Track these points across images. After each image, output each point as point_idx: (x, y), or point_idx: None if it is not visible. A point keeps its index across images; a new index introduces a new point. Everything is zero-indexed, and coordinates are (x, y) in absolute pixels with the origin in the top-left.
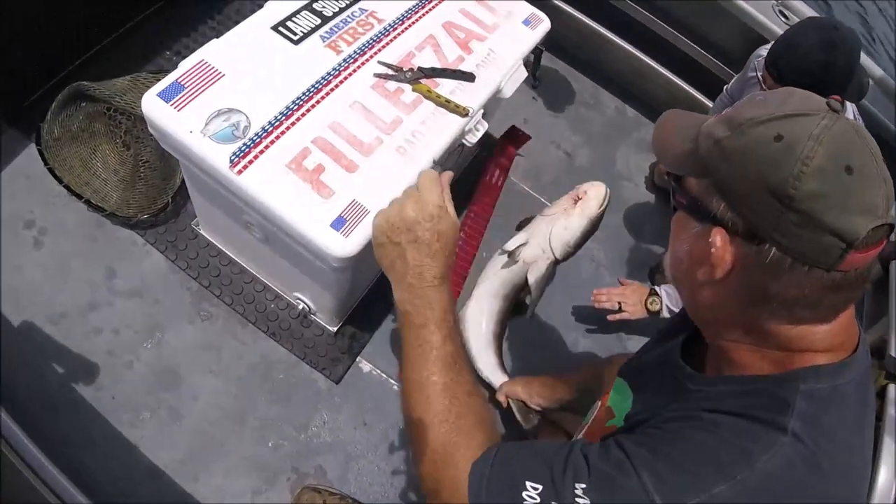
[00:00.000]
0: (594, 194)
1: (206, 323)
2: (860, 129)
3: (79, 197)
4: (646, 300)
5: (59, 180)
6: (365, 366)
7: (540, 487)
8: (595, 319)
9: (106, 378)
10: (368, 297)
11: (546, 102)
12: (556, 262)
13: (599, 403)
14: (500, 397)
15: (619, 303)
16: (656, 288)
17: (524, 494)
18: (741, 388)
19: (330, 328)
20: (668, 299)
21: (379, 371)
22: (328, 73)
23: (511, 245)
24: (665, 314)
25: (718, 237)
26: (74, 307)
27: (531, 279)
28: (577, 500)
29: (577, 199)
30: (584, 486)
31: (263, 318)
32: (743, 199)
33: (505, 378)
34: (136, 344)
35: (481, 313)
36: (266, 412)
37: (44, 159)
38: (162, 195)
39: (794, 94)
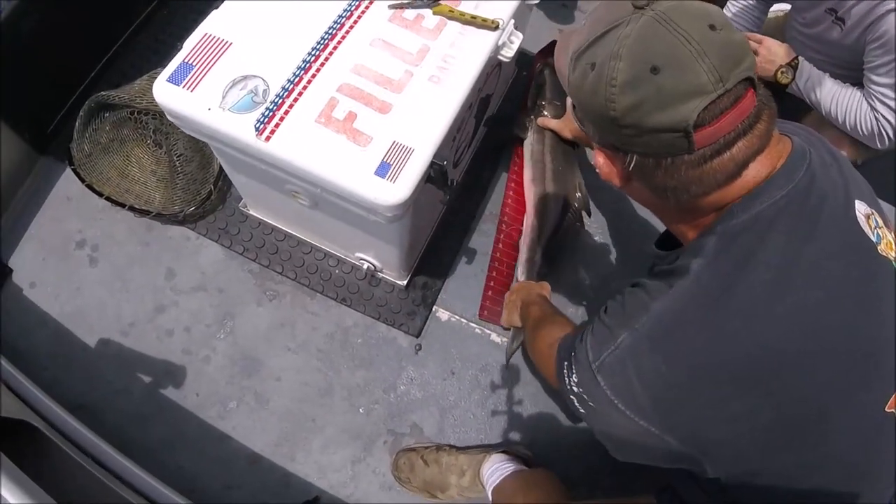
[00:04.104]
0: None
1: (274, 302)
2: (668, 13)
3: (122, 205)
4: (779, 68)
5: (100, 194)
6: (443, 314)
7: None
8: None
9: (187, 377)
10: (433, 242)
11: (579, 8)
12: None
13: None
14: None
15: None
16: (801, 59)
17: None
18: (680, 253)
19: (399, 283)
20: (804, 77)
21: (458, 317)
22: (340, 16)
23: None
24: (794, 90)
25: (599, 157)
26: (142, 314)
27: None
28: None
29: None
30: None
31: (330, 285)
32: (592, 124)
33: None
34: (210, 337)
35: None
36: (351, 379)
37: (80, 178)
38: (204, 185)
39: (600, 8)
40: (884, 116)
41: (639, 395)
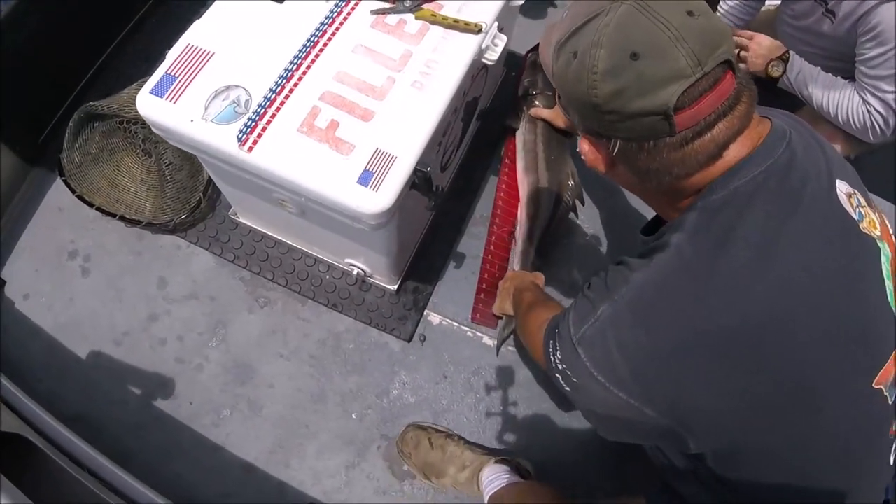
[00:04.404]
0: None
1: (265, 309)
2: (648, 1)
3: (112, 215)
4: (770, 61)
5: (91, 204)
6: (434, 318)
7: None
8: None
9: (180, 386)
10: (423, 246)
11: (568, 9)
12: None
13: None
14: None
15: (740, 50)
16: (792, 54)
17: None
18: (664, 231)
19: (390, 287)
20: (795, 71)
21: (449, 320)
22: (322, 24)
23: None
24: (787, 84)
25: (584, 143)
26: (136, 323)
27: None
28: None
29: None
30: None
31: (321, 291)
32: (576, 111)
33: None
34: (202, 345)
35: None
36: (344, 385)
37: (71, 188)
38: (193, 193)
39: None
40: (875, 109)
41: (618, 365)
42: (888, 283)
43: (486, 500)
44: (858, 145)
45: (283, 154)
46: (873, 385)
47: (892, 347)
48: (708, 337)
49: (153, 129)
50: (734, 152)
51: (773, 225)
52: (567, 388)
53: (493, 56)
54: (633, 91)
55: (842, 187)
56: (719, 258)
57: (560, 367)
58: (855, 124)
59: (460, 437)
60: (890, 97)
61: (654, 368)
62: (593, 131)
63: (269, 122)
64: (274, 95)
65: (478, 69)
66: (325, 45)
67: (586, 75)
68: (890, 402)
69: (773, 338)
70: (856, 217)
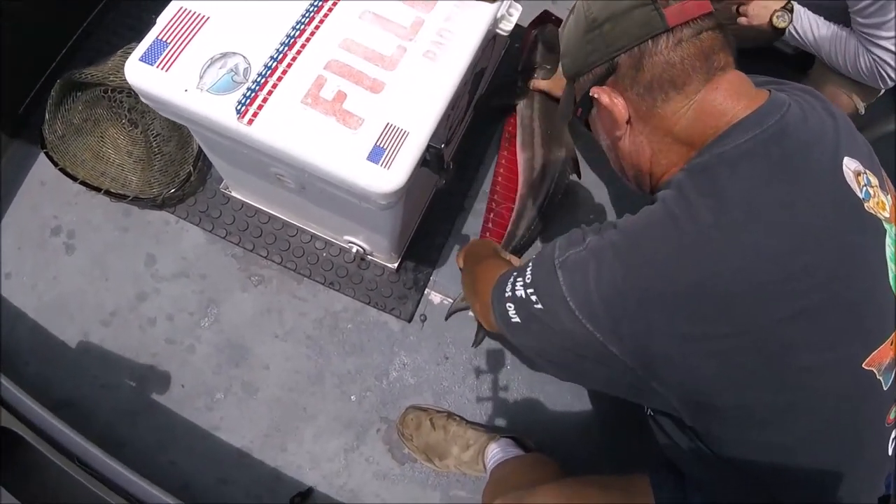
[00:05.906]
0: None
1: (259, 287)
2: None
3: (98, 189)
4: (774, 12)
5: (74, 178)
6: (435, 297)
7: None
8: None
9: (171, 367)
10: (425, 224)
11: None
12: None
13: None
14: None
15: (738, 6)
16: (795, 3)
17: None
18: None
19: (390, 266)
20: (801, 20)
21: (451, 300)
22: None
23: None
24: (793, 35)
25: (600, 94)
26: (123, 303)
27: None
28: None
29: None
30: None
31: (318, 269)
32: (581, 57)
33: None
34: (194, 325)
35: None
36: (342, 366)
37: (53, 161)
38: (183, 166)
39: None
40: (880, 57)
41: (593, 296)
42: (891, 265)
43: (488, 474)
44: (871, 94)
45: (287, 127)
46: (864, 365)
47: (890, 329)
48: (685, 285)
49: (143, 100)
50: (730, 106)
51: (761, 190)
52: (516, 320)
53: (507, 26)
54: None
55: (850, 164)
56: (701, 214)
57: (519, 294)
58: (863, 73)
59: (461, 418)
60: (889, 42)
61: (626, 307)
62: (600, 71)
63: (270, 93)
64: (275, 64)
65: (489, 40)
66: (330, 9)
67: (582, 10)
68: (885, 388)
69: (744, 300)
70: (861, 195)
